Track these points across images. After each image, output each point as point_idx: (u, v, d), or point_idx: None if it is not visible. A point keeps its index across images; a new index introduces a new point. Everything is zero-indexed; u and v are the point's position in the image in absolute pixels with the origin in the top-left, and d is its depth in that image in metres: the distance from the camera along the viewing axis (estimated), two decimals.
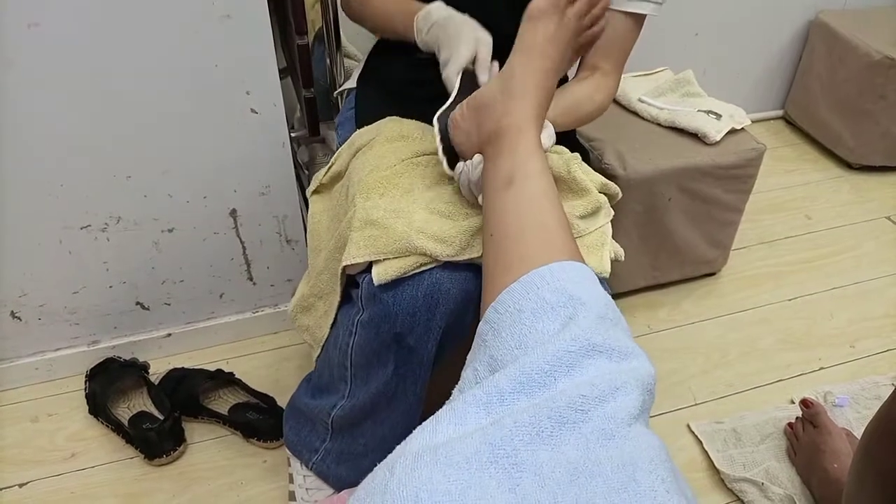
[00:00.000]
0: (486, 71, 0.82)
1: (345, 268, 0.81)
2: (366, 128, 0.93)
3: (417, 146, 0.87)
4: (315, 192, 0.97)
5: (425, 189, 0.81)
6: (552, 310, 0.56)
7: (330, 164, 0.94)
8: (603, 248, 0.85)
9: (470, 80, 0.81)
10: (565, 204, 0.84)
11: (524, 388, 0.51)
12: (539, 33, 0.72)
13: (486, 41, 0.82)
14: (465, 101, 0.76)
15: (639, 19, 0.96)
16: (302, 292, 0.95)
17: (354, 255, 0.77)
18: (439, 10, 0.86)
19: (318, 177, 0.96)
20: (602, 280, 0.84)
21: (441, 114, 0.77)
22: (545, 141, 0.74)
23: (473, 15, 0.95)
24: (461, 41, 0.80)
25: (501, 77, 0.73)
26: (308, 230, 0.95)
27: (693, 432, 1.20)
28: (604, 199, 0.88)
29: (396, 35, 0.95)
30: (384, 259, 0.77)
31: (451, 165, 0.76)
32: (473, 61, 0.81)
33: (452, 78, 0.79)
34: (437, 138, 0.76)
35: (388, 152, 0.86)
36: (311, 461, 0.97)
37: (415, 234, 0.76)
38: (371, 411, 0.87)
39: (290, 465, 1.04)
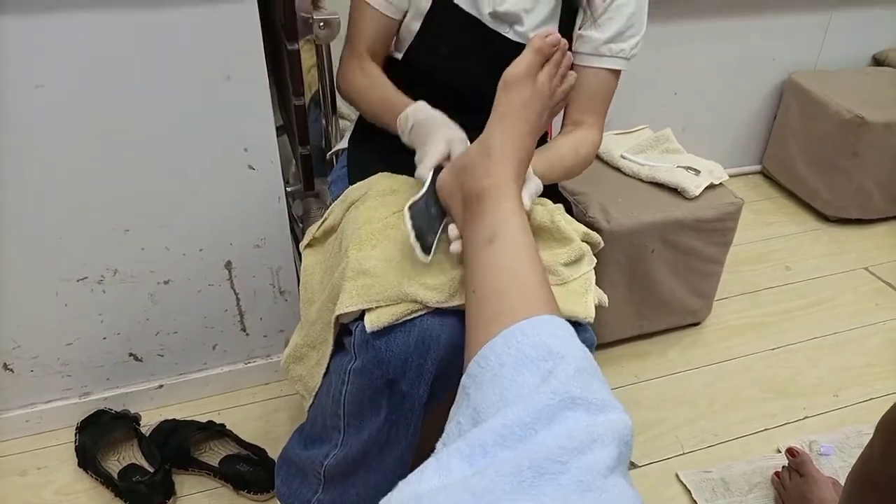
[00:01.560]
0: None
1: (338, 317, 0.83)
2: (358, 183, 0.97)
3: (408, 200, 0.90)
4: (308, 245, 1.00)
5: None
6: (532, 363, 0.58)
7: (323, 218, 0.98)
8: (587, 294, 0.88)
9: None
10: (549, 252, 0.88)
11: (505, 441, 0.52)
12: (515, 99, 0.76)
13: (459, 139, 0.85)
14: (449, 164, 0.80)
15: (613, 73, 1.02)
16: (295, 342, 0.97)
17: (348, 304, 0.80)
18: (416, 113, 0.91)
19: (312, 231, 0.99)
20: (587, 326, 0.87)
21: (412, 204, 0.79)
22: (526, 200, 0.78)
23: (453, 80, 1.00)
24: (434, 142, 0.84)
25: (482, 141, 0.77)
26: (301, 282, 0.98)
27: (682, 482, 1.21)
28: (586, 247, 0.92)
29: (387, 128, 1.00)
30: (377, 307, 0.79)
31: (426, 250, 0.78)
32: (448, 157, 0.85)
33: (424, 175, 0.82)
34: (409, 225, 0.77)
35: (380, 206, 0.89)
36: None
37: (406, 282, 0.79)
38: (364, 460, 0.88)
39: None
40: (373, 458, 0.88)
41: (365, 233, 0.85)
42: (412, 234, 0.77)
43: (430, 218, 0.80)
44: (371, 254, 0.82)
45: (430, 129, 0.86)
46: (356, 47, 1.04)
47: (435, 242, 0.79)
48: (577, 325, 0.85)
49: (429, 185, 0.81)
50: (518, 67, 0.77)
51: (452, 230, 0.79)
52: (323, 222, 0.97)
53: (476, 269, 0.71)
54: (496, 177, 0.74)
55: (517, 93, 0.76)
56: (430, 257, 0.77)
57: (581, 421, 0.53)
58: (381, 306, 0.79)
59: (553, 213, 0.90)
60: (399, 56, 1.05)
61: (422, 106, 0.92)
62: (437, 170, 0.83)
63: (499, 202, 0.73)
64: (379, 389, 0.82)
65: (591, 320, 0.87)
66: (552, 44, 0.77)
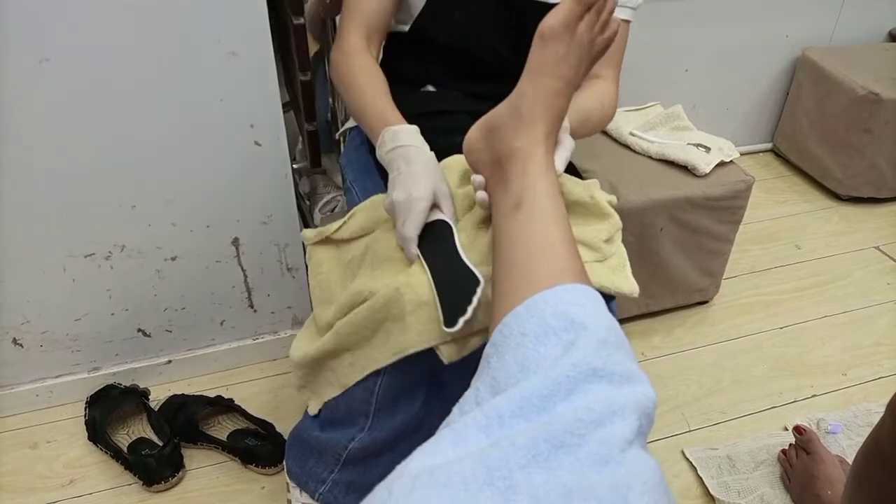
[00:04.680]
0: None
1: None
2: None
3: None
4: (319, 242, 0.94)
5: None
6: (555, 334, 0.56)
7: (344, 220, 0.90)
8: (625, 268, 0.85)
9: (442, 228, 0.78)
10: (590, 228, 0.84)
11: (523, 413, 0.51)
12: (550, 54, 0.71)
13: (444, 194, 0.79)
14: (477, 123, 0.76)
15: (624, 24, 0.99)
16: (306, 353, 0.88)
17: (417, 342, 0.74)
18: (409, 136, 0.82)
19: (328, 230, 0.91)
20: (610, 299, 0.84)
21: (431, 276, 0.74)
22: (559, 163, 0.73)
23: (469, 46, 0.95)
24: (418, 201, 0.76)
25: (511, 100, 0.73)
26: (314, 281, 0.91)
27: (688, 459, 1.21)
28: (619, 221, 0.88)
29: (362, 122, 0.92)
30: (450, 340, 0.74)
31: (450, 322, 0.71)
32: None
33: (412, 236, 0.76)
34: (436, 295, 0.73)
35: None
36: (317, 492, 0.95)
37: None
38: (393, 444, 0.85)
39: (289, 492, 1.04)
40: (402, 442, 0.85)
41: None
42: (438, 308, 0.71)
43: (456, 279, 0.72)
44: (424, 280, 0.75)
45: (421, 170, 0.78)
46: (354, 25, 0.96)
47: (469, 311, 0.69)
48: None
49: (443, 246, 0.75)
50: (555, 18, 0.70)
51: (481, 195, 0.75)
52: (344, 223, 0.90)
53: (501, 236, 0.68)
54: (524, 139, 0.70)
55: (552, 47, 0.70)
56: (456, 328, 0.69)
57: (602, 393, 0.52)
58: (455, 339, 0.74)
59: (590, 187, 0.86)
60: (405, 28, 1.02)
61: (415, 131, 0.83)
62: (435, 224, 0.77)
63: (526, 166, 0.69)
64: (419, 380, 0.79)
65: (637, 293, 0.83)
66: None
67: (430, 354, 0.76)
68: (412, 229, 0.76)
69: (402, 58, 1.02)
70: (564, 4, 0.70)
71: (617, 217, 0.86)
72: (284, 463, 1.02)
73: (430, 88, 0.97)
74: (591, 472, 0.48)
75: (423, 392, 0.81)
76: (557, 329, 0.56)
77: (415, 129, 0.83)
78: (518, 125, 0.71)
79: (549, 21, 0.70)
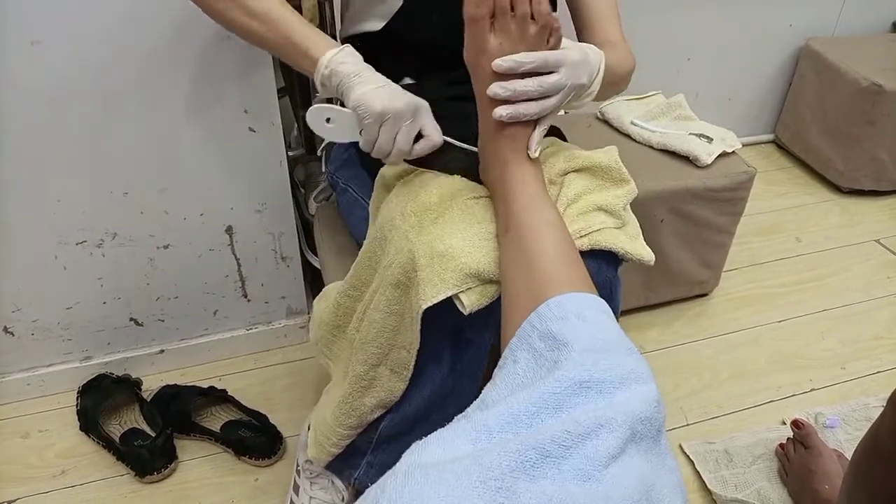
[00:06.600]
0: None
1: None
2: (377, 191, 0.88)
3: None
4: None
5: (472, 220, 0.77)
6: (541, 356, 0.59)
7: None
8: (639, 235, 0.86)
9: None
10: (610, 194, 0.83)
11: (511, 428, 0.52)
12: (477, 82, 0.74)
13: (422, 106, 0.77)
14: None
15: None
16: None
17: (431, 296, 0.70)
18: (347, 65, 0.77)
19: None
20: (619, 263, 0.83)
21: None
22: (534, 141, 0.74)
23: (450, 43, 0.94)
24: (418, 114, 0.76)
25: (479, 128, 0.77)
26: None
27: (685, 453, 1.21)
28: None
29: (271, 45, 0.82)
30: (467, 289, 0.71)
31: None
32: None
33: (438, 139, 0.78)
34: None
35: (415, 187, 0.80)
36: (352, 477, 0.93)
37: (482, 257, 0.72)
38: (425, 415, 0.83)
39: (292, 493, 1.03)
40: (434, 412, 0.83)
41: (419, 211, 0.77)
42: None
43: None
44: (438, 233, 0.73)
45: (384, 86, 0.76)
46: None
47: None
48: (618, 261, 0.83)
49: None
50: (467, 50, 0.73)
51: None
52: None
53: (500, 261, 0.71)
54: (495, 166, 0.75)
55: (476, 73, 0.74)
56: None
57: (591, 404, 0.53)
58: (471, 287, 0.71)
59: (610, 152, 0.86)
60: (377, 27, 0.95)
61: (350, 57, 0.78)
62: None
63: (504, 191, 0.73)
64: (441, 340, 0.77)
65: (653, 260, 0.83)
66: (478, 3, 0.70)
67: (449, 312, 0.72)
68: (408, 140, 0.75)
69: (373, 56, 0.98)
70: (465, 32, 0.72)
71: (633, 184, 0.86)
72: (312, 455, 0.99)
73: (408, 81, 0.96)
74: (572, 485, 0.49)
75: (447, 353, 0.80)
76: (543, 351, 0.59)
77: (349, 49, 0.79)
78: (486, 155, 0.77)
79: (465, 55, 0.73)
